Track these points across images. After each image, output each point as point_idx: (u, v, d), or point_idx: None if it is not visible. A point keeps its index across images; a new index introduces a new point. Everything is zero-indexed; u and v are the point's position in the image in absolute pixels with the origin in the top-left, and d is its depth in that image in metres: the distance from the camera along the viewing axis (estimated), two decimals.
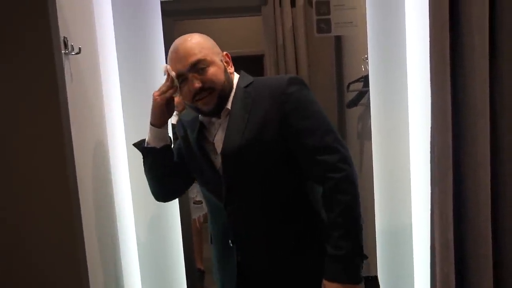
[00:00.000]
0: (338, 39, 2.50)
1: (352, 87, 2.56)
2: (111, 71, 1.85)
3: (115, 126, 1.85)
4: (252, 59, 3.12)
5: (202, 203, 2.86)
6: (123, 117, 1.91)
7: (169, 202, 1.99)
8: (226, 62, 1.44)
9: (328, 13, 2.16)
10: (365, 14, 2.02)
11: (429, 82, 1.40)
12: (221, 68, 1.40)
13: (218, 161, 1.42)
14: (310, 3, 2.32)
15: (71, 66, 1.39)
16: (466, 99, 1.29)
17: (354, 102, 2.54)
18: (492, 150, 1.24)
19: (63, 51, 1.31)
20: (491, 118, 1.23)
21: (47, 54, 1.23)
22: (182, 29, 2.97)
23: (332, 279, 1.30)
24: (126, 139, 1.91)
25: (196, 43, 1.38)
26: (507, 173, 1.24)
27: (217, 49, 1.43)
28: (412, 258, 1.94)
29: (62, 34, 1.30)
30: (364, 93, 2.45)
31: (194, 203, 2.90)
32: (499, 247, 1.30)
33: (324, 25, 2.17)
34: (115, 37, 1.88)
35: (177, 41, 1.41)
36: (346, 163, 1.32)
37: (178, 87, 1.40)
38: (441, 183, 1.34)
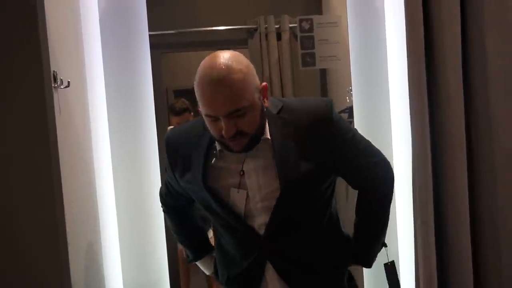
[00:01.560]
0: (323, 72, 2.57)
1: None
2: (99, 104, 1.87)
3: (102, 160, 1.86)
4: None
5: None
6: (111, 151, 1.92)
7: (155, 232, 1.99)
8: (264, 96, 1.24)
9: (313, 47, 2.23)
10: (348, 48, 2.09)
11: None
12: (259, 109, 1.21)
13: (239, 198, 1.29)
14: (295, 37, 2.39)
15: (59, 100, 1.41)
16: (444, 132, 1.34)
17: None
18: (470, 183, 1.28)
19: (52, 85, 1.33)
20: (467, 150, 1.27)
21: (37, 88, 1.25)
22: (170, 62, 3.02)
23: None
24: (113, 173, 1.91)
25: (238, 86, 1.15)
26: (485, 203, 1.28)
27: (257, 81, 1.21)
28: None
29: (51, 68, 1.33)
30: (349, 123, 2.49)
31: None
32: (481, 276, 1.32)
33: (309, 59, 2.23)
34: (104, 70, 1.91)
35: (213, 73, 1.15)
36: (390, 170, 1.40)
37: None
38: (422, 214, 1.36)
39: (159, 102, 2.12)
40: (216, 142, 1.27)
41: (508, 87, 1.49)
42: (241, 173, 1.28)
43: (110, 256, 1.88)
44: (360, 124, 2.11)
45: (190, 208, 1.53)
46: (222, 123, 1.16)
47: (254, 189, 1.28)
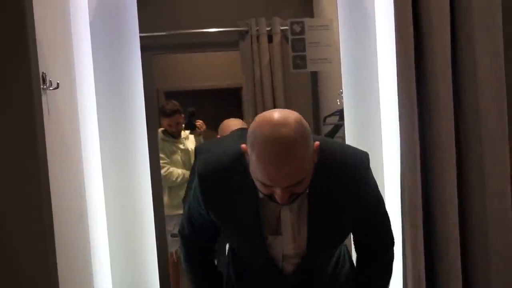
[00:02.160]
0: (314, 75, 2.57)
1: (328, 120, 2.62)
2: (89, 106, 1.85)
3: (92, 162, 1.84)
4: (230, 91, 3.16)
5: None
6: (101, 153, 1.91)
7: (145, 236, 1.98)
8: (315, 156, 1.18)
9: (304, 50, 2.23)
10: (339, 51, 2.09)
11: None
12: (311, 172, 1.17)
13: (275, 243, 1.30)
14: (287, 40, 2.39)
15: (48, 102, 1.39)
16: (433, 135, 1.35)
17: (330, 135, 2.60)
18: (459, 186, 1.29)
19: (41, 87, 1.32)
20: (456, 155, 1.28)
21: (26, 89, 1.24)
22: (161, 63, 3.01)
23: None
24: (103, 176, 1.90)
25: (302, 159, 1.10)
26: (474, 207, 1.29)
27: (312, 148, 1.16)
28: None
29: (40, 69, 1.32)
30: (339, 126, 2.50)
31: (171, 235, 2.87)
32: (469, 280, 1.33)
33: (300, 61, 2.24)
34: (94, 72, 1.89)
35: (279, 148, 1.08)
36: (393, 248, 1.40)
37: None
38: (411, 219, 1.37)
39: (149, 104, 2.11)
40: (258, 189, 1.22)
41: (496, 90, 1.50)
42: (278, 220, 1.27)
43: (99, 258, 1.87)
44: (350, 127, 2.12)
45: (212, 250, 1.50)
46: (278, 191, 1.13)
47: (289, 237, 1.29)
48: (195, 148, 2.99)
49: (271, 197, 1.17)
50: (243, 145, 1.18)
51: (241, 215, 1.27)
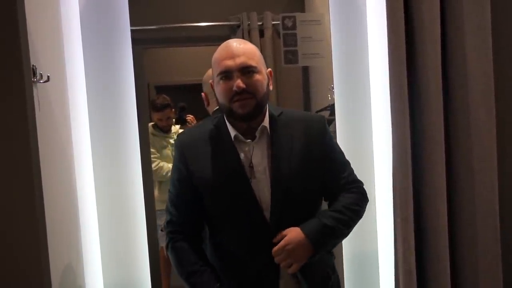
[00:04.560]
0: (305, 69, 2.57)
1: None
2: (79, 99, 1.84)
3: (83, 156, 1.84)
4: None
5: None
6: (91, 147, 1.90)
7: (136, 230, 1.98)
8: (269, 80, 1.43)
9: (295, 44, 2.23)
10: (331, 46, 2.10)
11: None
12: (265, 80, 1.39)
13: (256, 185, 1.39)
14: (279, 35, 2.39)
15: (39, 95, 1.38)
16: (423, 131, 1.36)
17: None
18: (448, 181, 1.31)
19: (32, 80, 1.31)
20: (446, 149, 1.30)
21: (16, 82, 1.23)
22: (152, 57, 2.99)
23: (303, 229, 1.38)
24: (94, 170, 1.89)
25: (251, 48, 1.38)
26: (463, 200, 1.31)
27: (264, 62, 1.43)
28: (379, 285, 1.98)
29: (31, 62, 1.31)
30: (330, 121, 2.51)
31: (161, 230, 2.87)
32: (458, 273, 1.35)
33: (292, 56, 2.24)
34: (85, 65, 1.88)
35: (231, 41, 1.40)
36: (365, 193, 1.48)
37: (214, 85, 1.40)
38: (402, 212, 1.39)
39: (140, 98, 2.09)
40: (229, 131, 1.40)
41: (485, 86, 1.52)
42: (251, 165, 1.39)
43: (90, 253, 1.86)
44: (341, 122, 2.14)
45: (200, 239, 1.50)
46: (234, 80, 1.33)
47: (262, 181, 1.39)
48: (177, 135, 2.98)
49: (233, 111, 1.35)
50: (211, 82, 1.43)
51: (222, 164, 1.40)
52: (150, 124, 3.09)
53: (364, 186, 1.49)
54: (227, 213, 1.42)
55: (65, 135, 1.65)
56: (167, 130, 3.14)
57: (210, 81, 1.44)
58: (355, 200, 1.43)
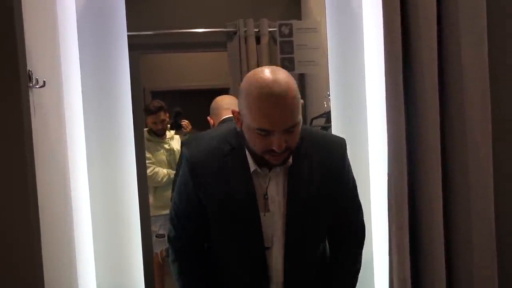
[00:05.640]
0: (302, 77, 2.58)
1: (315, 122, 2.63)
2: (75, 104, 1.83)
3: (78, 161, 1.83)
4: (217, 92, 3.17)
5: (164, 236, 2.82)
6: (87, 152, 1.89)
7: (130, 236, 1.97)
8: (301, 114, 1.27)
9: (292, 52, 2.25)
10: (327, 53, 2.11)
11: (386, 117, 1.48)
12: (301, 125, 1.27)
13: (269, 219, 1.32)
14: (275, 41, 2.40)
15: (34, 100, 1.38)
16: (419, 138, 1.37)
17: None
18: (444, 188, 1.31)
19: (27, 85, 1.30)
20: (442, 156, 1.31)
21: (13, 87, 1.22)
22: (148, 63, 2.99)
23: None
24: (88, 175, 1.88)
25: (296, 102, 1.20)
26: (458, 205, 1.31)
27: (300, 97, 1.25)
28: None
29: (27, 67, 1.30)
30: (326, 128, 2.52)
31: (156, 236, 2.86)
32: (453, 281, 1.35)
33: (288, 63, 2.25)
34: (81, 70, 1.87)
35: (274, 88, 1.17)
36: (363, 241, 1.46)
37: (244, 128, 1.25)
38: (398, 220, 1.39)
39: (136, 103, 2.10)
40: (248, 162, 1.30)
41: (481, 93, 1.53)
42: (265, 197, 1.32)
43: (84, 258, 1.85)
44: (337, 129, 2.14)
45: (205, 254, 1.47)
46: (275, 138, 1.19)
47: (276, 213, 1.32)
48: (182, 142, 2.98)
49: (264, 159, 1.24)
50: (233, 109, 1.27)
51: (235, 191, 1.30)
52: (145, 129, 3.09)
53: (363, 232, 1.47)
54: (230, 241, 1.38)
55: (60, 141, 1.64)
56: (162, 135, 3.14)
57: (234, 109, 1.29)
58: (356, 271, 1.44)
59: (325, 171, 1.34)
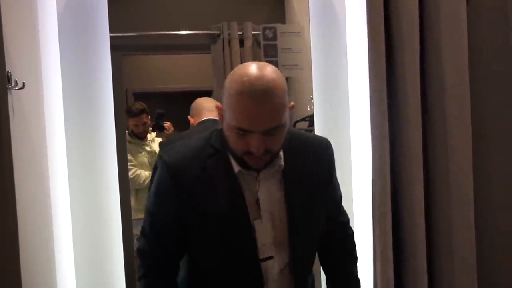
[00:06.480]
0: (285, 80, 2.59)
1: (298, 125, 2.64)
2: (55, 106, 1.80)
3: (57, 164, 1.79)
4: (200, 94, 3.16)
5: None
6: (67, 155, 1.86)
7: (111, 239, 1.94)
8: (290, 115, 1.17)
9: (275, 55, 2.25)
10: (310, 57, 2.12)
11: (369, 122, 1.49)
12: (286, 129, 1.15)
13: (261, 227, 1.20)
14: (259, 45, 2.40)
15: (13, 102, 1.35)
16: (402, 144, 1.38)
17: None
18: (426, 193, 1.33)
19: (6, 86, 1.28)
20: (424, 161, 1.33)
21: None
22: (131, 64, 2.96)
23: None
24: (69, 178, 1.85)
25: (281, 102, 1.08)
26: (440, 212, 1.33)
27: (287, 98, 1.13)
28: None
29: (6, 68, 1.27)
30: (309, 131, 2.53)
31: (138, 240, 2.82)
32: (435, 284, 1.37)
33: None
34: (61, 71, 1.84)
35: (257, 85, 1.06)
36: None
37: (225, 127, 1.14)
38: (381, 224, 1.40)
39: (118, 105, 2.07)
40: (232, 164, 1.18)
41: (461, 99, 1.56)
42: (257, 202, 1.20)
43: (63, 262, 1.82)
44: (320, 132, 2.15)
45: (176, 272, 1.31)
46: (253, 139, 1.09)
47: (268, 220, 1.21)
48: (159, 143, 2.96)
49: (244, 161, 1.14)
50: (217, 104, 1.17)
51: (220, 197, 1.17)
52: (127, 132, 3.06)
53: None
54: (218, 254, 1.22)
55: (39, 144, 1.61)
56: (143, 137, 3.11)
57: (218, 104, 1.18)
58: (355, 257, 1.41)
59: (316, 171, 1.25)
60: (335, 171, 1.34)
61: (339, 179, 1.49)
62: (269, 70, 1.10)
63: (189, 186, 1.18)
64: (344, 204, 1.53)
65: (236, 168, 1.17)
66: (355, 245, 1.42)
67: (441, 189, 1.39)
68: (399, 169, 1.40)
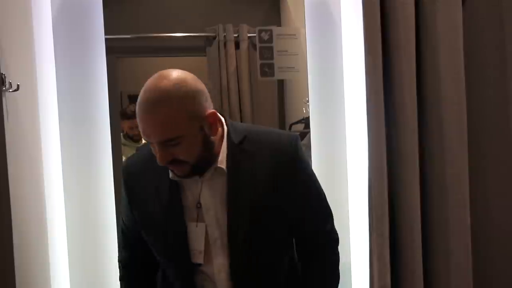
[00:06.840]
0: (281, 83, 2.58)
1: (293, 128, 2.64)
2: (50, 109, 1.79)
3: (52, 167, 1.78)
4: None
5: None
6: (62, 158, 1.85)
7: (107, 243, 1.93)
8: (209, 127, 1.14)
9: (272, 58, 2.25)
10: (306, 60, 2.12)
11: (365, 124, 1.49)
12: (198, 139, 1.11)
13: (196, 232, 1.19)
14: (254, 47, 2.40)
15: (7, 104, 1.34)
16: (399, 148, 1.39)
17: None
18: (422, 197, 1.33)
19: (1, 88, 1.27)
20: (420, 166, 1.33)
21: None
22: (126, 66, 2.95)
23: None
24: (63, 181, 1.84)
25: (168, 115, 1.05)
26: (436, 216, 1.33)
27: (199, 110, 1.10)
28: None
29: (0, 70, 1.27)
30: (305, 134, 2.52)
31: None
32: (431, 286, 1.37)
33: (268, 69, 2.25)
34: (56, 73, 1.84)
35: (144, 98, 1.07)
36: (335, 231, 1.32)
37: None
38: (378, 227, 1.40)
39: (113, 107, 2.06)
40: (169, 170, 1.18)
41: (457, 103, 1.57)
42: (198, 205, 1.20)
43: (58, 265, 1.81)
44: (315, 135, 2.15)
45: (154, 270, 1.35)
46: (156, 150, 1.10)
47: (213, 224, 1.20)
48: (136, 147, 2.94)
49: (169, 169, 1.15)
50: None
51: (159, 201, 1.20)
52: (122, 134, 3.04)
53: (338, 238, 1.32)
54: (162, 258, 1.27)
55: (34, 146, 1.60)
56: (137, 140, 3.10)
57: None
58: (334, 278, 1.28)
59: (271, 171, 1.19)
60: (302, 173, 1.25)
61: (334, 182, 1.48)
62: (171, 80, 1.07)
63: (137, 188, 1.23)
64: (340, 207, 1.52)
65: (171, 173, 1.18)
66: (327, 261, 1.30)
67: (438, 192, 1.39)
68: (395, 172, 1.40)
